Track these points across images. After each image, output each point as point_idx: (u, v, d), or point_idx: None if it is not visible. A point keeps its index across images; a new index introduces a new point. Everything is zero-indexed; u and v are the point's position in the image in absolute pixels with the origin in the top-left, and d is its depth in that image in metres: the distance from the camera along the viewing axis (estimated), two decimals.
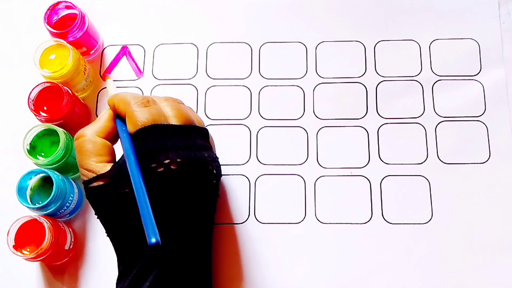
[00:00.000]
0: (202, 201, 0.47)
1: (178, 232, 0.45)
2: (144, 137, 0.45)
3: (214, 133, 0.61)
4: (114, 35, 0.65)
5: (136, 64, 0.64)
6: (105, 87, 0.63)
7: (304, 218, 0.57)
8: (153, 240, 0.40)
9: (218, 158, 0.51)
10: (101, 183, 0.45)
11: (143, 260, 0.44)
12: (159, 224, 0.42)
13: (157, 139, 0.45)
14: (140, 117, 0.45)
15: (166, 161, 0.44)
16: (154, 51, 0.64)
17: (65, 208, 0.55)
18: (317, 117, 0.61)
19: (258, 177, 0.59)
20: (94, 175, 0.45)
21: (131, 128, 0.45)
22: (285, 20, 0.65)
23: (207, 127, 0.49)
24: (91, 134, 0.47)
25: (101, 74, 0.64)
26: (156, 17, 0.66)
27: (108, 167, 0.46)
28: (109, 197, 0.45)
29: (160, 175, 0.44)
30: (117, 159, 0.48)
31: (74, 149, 0.56)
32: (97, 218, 0.47)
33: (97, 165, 0.46)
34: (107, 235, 0.47)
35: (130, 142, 0.45)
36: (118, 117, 0.49)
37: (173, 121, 0.46)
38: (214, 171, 0.48)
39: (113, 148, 0.49)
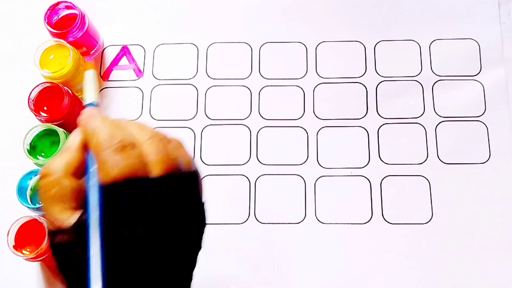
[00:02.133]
0: (176, 269, 0.39)
1: None
2: (115, 193, 0.37)
3: (214, 133, 0.61)
4: (114, 35, 0.65)
5: (136, 64, 0.64)
6: (105, 87, 0.63)
7: (304, 218, 0.57)
8: None
9: (204, 203, 0.42)
10: (65, 239, 0.37)
11: None
12: None
13: (129, 198, 0.37)
14: (113, 169, 0.36)
15: (135, 223, 0.36)
16: (154, 51, 0.64)
17: None
18: (317, 117, 0.61)
19: (258, 177, 0.59)
20: (58, 227, 0.37)
21: (101, 177, 0.37)
22: (285, 20, 0.65)
23: (196, 168, 0.42)
24: (60, 172, 0.38)
25: (101, 74, 0.64)
26: (156, 17, 0.66)
27: (75, 216, 0.37)
28: (73, 258, 0.36)
29: (125, 239, 0.36)
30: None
31: None
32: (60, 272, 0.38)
33: (63, 215, 0.37)
34: None
35: (99, 193, 0.37)
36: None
37: (155, 169, 0.38)
38: (195, 225, 0.40)
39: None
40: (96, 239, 0.35)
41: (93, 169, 0.37)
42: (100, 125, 0.38)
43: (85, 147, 0.39)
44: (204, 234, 0.41)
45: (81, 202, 0.38)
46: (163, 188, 0.38)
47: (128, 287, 0.36)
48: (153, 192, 0.37)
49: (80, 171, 0.39)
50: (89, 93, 0.43)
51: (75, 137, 0.39)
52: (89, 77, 0.43)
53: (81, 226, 0.36)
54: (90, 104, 0.42)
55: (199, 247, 0.40)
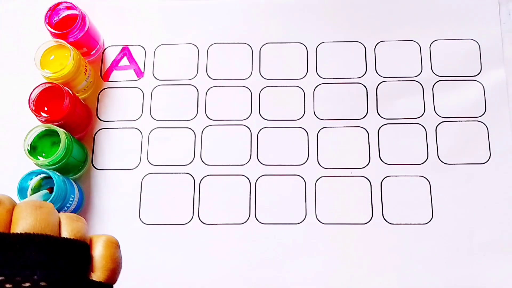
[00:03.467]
0: None
1: None
2: None
3: (215, 133, 0.61)
4: (115, 36, 0.65)
5: (136, 65, 0.64)
6: (106, 87, 0.63)
7: (304, 218, 0.57)
8: None
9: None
10: None
11: None
12: None
13: None
14: None
15: None
16: (154, 51, 0.64)
17: (66, 208, 0.55)
18: (318, 118, 0.61)
19: (258, 178, 0.59)
20: None
21: None
22: (285, 20, 0.65)
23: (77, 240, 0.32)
24: None
25: (102, 75, 0.64)
26: (157, 17, 0.66)
27: None
28: None
29: None
30: None
31: (74, 150, 0.56)
32: None
33: None
34: None
35: None
36: None
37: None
38: None
39: None
40: None
41: None
42: None
43: None
44: None
45: None
46: (18, 248, 0.32)
47: None
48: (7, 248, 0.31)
49: None
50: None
51: None
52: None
53: None
54: None
55: None
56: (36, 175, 0.54)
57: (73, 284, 0.31)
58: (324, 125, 0.61)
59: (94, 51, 0.64)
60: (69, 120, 0.57)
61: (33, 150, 0.56)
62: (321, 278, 0.55)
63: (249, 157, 0.60)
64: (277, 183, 0.59)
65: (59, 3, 0.60)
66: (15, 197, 0.53)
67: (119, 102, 0.63)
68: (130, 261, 0.56)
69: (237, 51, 0.64)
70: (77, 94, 0.60)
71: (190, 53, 0.64)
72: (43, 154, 0.56)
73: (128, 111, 0.62)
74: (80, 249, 0.32)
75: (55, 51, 0.58)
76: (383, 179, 0.58)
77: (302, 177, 0.59)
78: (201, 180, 0.59)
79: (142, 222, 0.58)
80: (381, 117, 0.61)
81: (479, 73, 0.62)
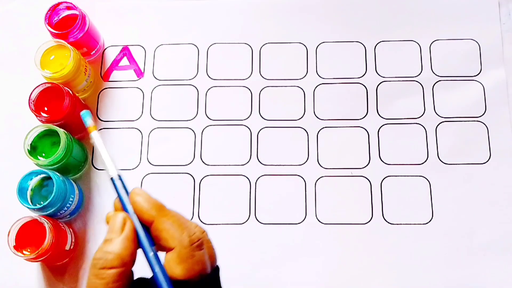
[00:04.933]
0: None
1: None
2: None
3: (215, 133, 0.61)
4: (115, 36, 0.65)
5: (137, 65, 0.64)
6: (106, 87, 0.63)
7: (304, 218, 0.57)
8: None
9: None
10: None
11: None
12: None
13: None
14: (196, 266, 0.37)
15: None
16: (154, 51, 0.64)
17: (66, 208, 0.55)
18: (318, 118, 0.61)
19: (258, 178, 0.59)
20: None
21: (181, 272, 0.36)
22: (285, 21, 0.65)
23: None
24: (129, 266, 0.37)
25: (102, 75, 0.64)
26: (157, 17, 0.66)
27: None
28: None
29: None
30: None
31: (74, 150, 0.56)
32: None
33: None
34: None
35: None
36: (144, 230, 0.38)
37: (210, 265, 0.40)
38: None
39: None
40: None
41: (151, 256, 0.37)
42: (167, 218, 0.39)
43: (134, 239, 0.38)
44: None
45: None
46: (214, 282, 0.39)
47: None
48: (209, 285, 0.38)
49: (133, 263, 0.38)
50: (108, 162, 0.40)
51: (128, 226, 0.38)
52: (95, 138, 0.40)
53: None
54: (120, 177, 0.40)
55: None
56: (36, 175, 0.55)
57: None
58: (324, 125, 0.61)
59: (94, 51, 0.64)
60: (69, 120, 0.57)
61: (33, 150, 0.56)
62: (321, 278, 0.55)
63: (249, 157, 0.60)
64: (277, 183, 0.59)
65: (59, 3, 0.60)
66: (15, 198, 0.53)
67: (119, 102, 0.63)
68: None
69: (237, 51, 0.64)
70: (77, 94, 0.60)
71: (190, 53, 0.64)
72: (43, 154, 0.56)
73: (128, 111, 0.62)
74: None
75: (55, 51, 0.58)
76: (383, 179, 0.58)
77: (302, 177, 0.59)
78: (201, 180, 0.59)
79: None
80: (381, 117, 0.61)
81: (479, 73, 0.62)
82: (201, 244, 0.39)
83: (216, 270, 0.40)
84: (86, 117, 0.41)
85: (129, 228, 0.38)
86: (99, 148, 0.40)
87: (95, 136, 0.40)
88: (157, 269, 0.37)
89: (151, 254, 0.37)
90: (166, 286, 0.36)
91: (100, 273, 0.35)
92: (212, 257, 0.41)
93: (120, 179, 0.39)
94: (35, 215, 0.53)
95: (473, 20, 0.63)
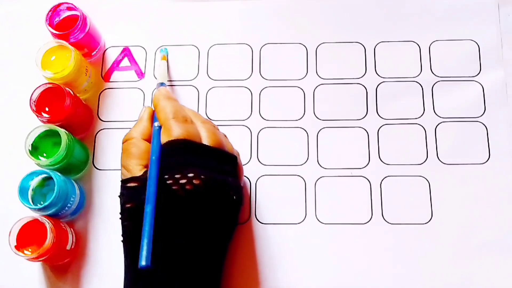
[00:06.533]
0: (217, 226, 0.47)
1: (185, 255, 0.45)
2: (174, 150, 0.46)
3: None
4: (116, 37, 0.65)
5: (137, 66, 0.64)
6: (107, 88, 0.63)
7: (304, 218, 0.58)
8: (143, 263, 0.40)
9: (242, 187, 0.52)
10: (133, 184, 0.47)
11: (147, 274, 0.44)
12: (165, 243, 0.42)
13: (185, 155, 0.46)
14: (175, 131, 0.47)
15: (190, 175, 0.45)
16: (155, 52, 0.65)
17: (67, 208, 0.55)
18: (318, 118, 0.61)
19: (258, 178, 0.59)
20: (132, 175, 0.47)
21: (164, 138, 0.47)
22: (285, 21, 0.65)
23: (237, 155, 0.52)
24: (138, 137, 0.50)
25: (103, 76, 0.64)
26: (158, 18, 0.66)
27: (144, 171, 0.47)
28: (134, 199, 0.46)
29: (176, 192, 0.44)
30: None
31: (75, 150, 0.56)
32: (120, 218, 0.48)
33: (136, 168, 0.48)
34: (122, 239, 0.47)
35: (158, 152, 0.47)
36: (156, 120, 0.51)
37: (206, 142, 0.48)
38: (234, 197, 0.48)
39: None
40: (152, 185, 0.44)
41: (156, 129, 0.49)
42: (168, 103, 0.50)
43: (152, 118, 0.52)
44: (239, 213, 0.52)
45: (147, 162, 0.48)
46: (211, 155, 0.48)
47: (185, 242, 0.45)
48: (204, 155, 0.47)
49: (149, 136, 0.50)
50: (160, 75, 0.60)
51: (146, 110, 0.53)
52: (162, 64, 0.61)
53: (146, 178, 0.46)
54: (161, 84, 0.58)
55: (235, 223, 0.52)
56: (37, 176, 0.55)
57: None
58: (324, 125, 0.61)
59: (95, 52, 0.64)
60: (70, 121, 0.57)
61: (34, 150, 0.56)
62: (321, 278, 0.55)
63: (249, 157, 0.60)
64: (277, 183, 0.59)
65: (60, 4, 0.60)
66: (16, 198, 0.53)
67: (120, 103, 0.63)
68: None
69: (237, 51, 0.64)
70: (78, 95, 0.60)
71: (190, 53, 0.64)
72: (44, 155, 0.56)
73: (129, 111, 0.62)
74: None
75: (56, 52, 0.59)
76: (383, 179, 0.58)
77: (302, 177, 0.59)
78: None
79: None
80: (381, 117, 0.61)
81: (478, 74, 0.62)
82: (184, 119, 0.48)
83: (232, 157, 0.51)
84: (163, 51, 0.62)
85: (144, 112, 0.54)
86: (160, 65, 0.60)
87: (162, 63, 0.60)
88: (154, 146, 0.48)
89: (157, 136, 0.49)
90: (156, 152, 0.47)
91: (123, 146, 0.50)
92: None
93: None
94: (36, 215, 0.53)
95: (473, 21, 0.64)
